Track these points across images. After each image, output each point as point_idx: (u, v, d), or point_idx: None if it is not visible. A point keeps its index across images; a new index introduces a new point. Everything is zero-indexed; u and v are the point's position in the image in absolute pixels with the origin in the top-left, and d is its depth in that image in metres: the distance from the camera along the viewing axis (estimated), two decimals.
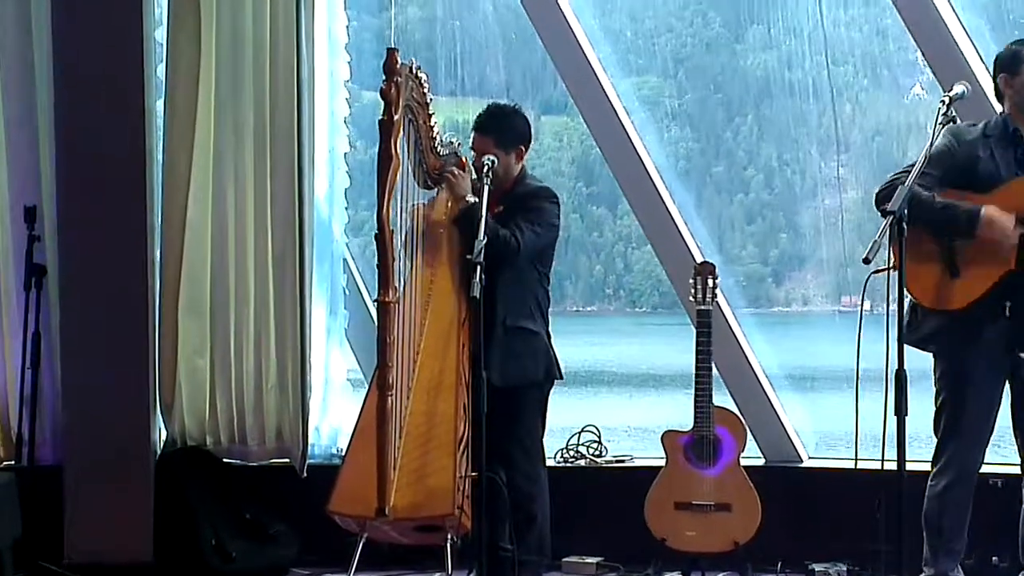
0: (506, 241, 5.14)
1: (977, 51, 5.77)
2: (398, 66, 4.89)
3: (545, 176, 6.17)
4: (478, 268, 4.78)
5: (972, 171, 4.82)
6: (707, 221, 7.06)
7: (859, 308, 4.46)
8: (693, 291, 5.82)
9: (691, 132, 7.69)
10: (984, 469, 4.96)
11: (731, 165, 7.49)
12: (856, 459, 4.64)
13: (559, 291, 8.34)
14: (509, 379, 5.15)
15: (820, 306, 7.28)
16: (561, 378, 5.48)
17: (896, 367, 4.30)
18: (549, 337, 5.45)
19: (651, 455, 6.09)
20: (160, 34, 6.26)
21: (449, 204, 5.38)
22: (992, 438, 4.91)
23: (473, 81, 7.26)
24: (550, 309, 5.44)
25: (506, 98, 6.21)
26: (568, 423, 6.54)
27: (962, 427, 4.85)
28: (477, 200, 5.05)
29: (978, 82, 5.54)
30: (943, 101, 4.64)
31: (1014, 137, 4.84)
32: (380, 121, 4.89)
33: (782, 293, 7.56)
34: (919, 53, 5.92)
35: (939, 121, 4.60)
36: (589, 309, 8.27)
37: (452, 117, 6.59)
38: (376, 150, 5.00)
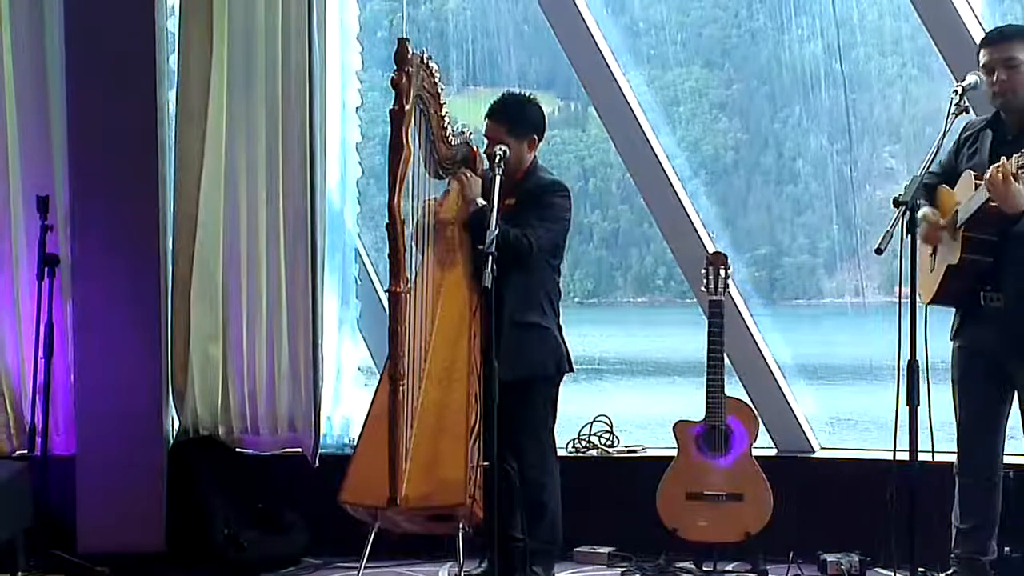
0: (518, 241, 5.14)
1: None
2: (409, 56, 4.88)
3: (593, 168, 6.17)
4: (490, 258, 4.78)
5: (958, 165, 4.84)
6: (755, 212, 7.04)
7: (900, 298, 4.44)
8: (705, 281, 5.82)
9: (739, 123, 7.68)
10: None
11: (779, 156, 7.48)
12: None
13: (609, 282, 8.34)
14: (517, 374, 5.14)
15: (872, 297, 7.27)
16: (572, 371, 5.47)
17: (908, 357, 4.31)
18: (560, 330, 5.44)
19: (666, 445, 6.08)
20: (172, 24, 6.27)
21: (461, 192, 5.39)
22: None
23: (517, 72, 7.27)
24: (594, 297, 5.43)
25: (553, 90, 6.21)
26: (587, 413, 6.54)
27: (961, 424, 4.87)
28: (487, 203, 5.03)
29: None
30: (955, 91, 4.62)
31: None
32: (391, 111, 4.88)
33: (834, 284, 7.54)
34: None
35: (951, 111, 4.59)
36: (640, 300, 8.24)
37: None
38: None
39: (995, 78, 4.74)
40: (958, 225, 4.68)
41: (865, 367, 6.80)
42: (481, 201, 5.17)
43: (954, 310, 4.89)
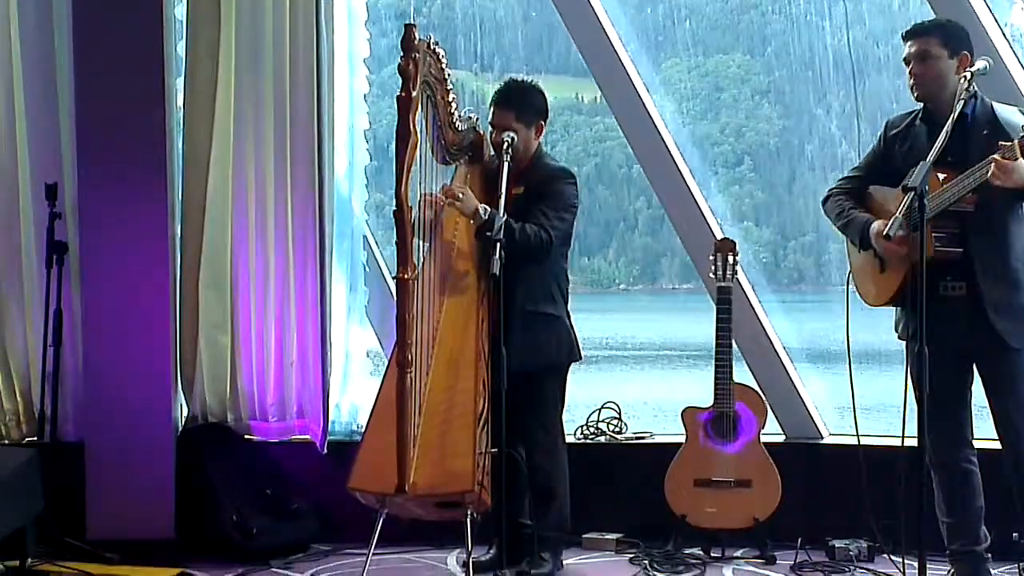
0: (538, 238, 5.16)
1: (999, 24, 5.73)
2: (416, 42, 4.86)
3: (633, 156, 6.17)
4: (498, 245, 4.78)
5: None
6: (800, 198, 7.00)
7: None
8: (713, 268, 5.82)
9: (782, 109, 7.65)
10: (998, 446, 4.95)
11: (823, 142, 7.46)
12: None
13: (655, 268, 8.32)
14: (527, 365, 5.15)
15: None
16: (581, 358, 5.48)
17: (917, 345, 4.31)
18: (569, 317, 5.45)
19: (674, 431, 6.08)
20: (180, 12, 6.27)
21: (468, 178, 5.39)
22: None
23: (557, 59, 7.25)
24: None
25: (581, 77, 6.23)
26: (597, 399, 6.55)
27: (927, 422, 4.85)
28: (492, 210, 5.02)
29: (1000, 57, 5.52)
30: (965, 76, 4.63)
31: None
32: (398, 97, 4.86)
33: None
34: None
35: (960, 96, 4.59)
36: (686, 287, 8.24)
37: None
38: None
39: (910, 71, 4.82)
40: (927, 219, 4.66)
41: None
42: (483, 209, 5.14)
43: (898, 309, 4.88)
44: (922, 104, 4.89)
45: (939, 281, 4.72)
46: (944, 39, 4.79)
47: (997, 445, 4.92)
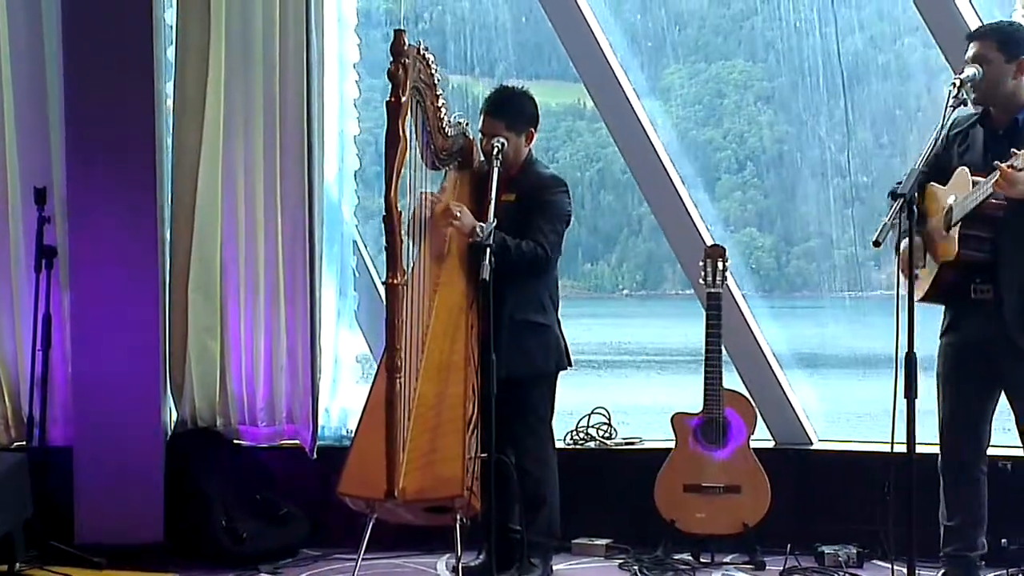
0: (534, 254, 5.16)
1: None
2: (405, 47, 4.86)
3: None
4: (487, 251, 4.77)
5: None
6: (803, 204, 7.00)
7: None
8: (703, 274, 5.83)
9: (784, 116, 7.65)
10: (992, 452, 4.95)
11: (826, 149, 7.46)
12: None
13: (657, 274, 8.31)
14: (516, 372, 5.15)
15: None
16: (571, 366, 5.48)
17: (906, 350, 4.31)
18: (559, 325, 5.44)
19: (664, 436, 6.08)
20: (170, 16, 6.26)
21: (458, 183, 5.39)
22: (999, 422, 4.90)
23: (559, 64, 7.25)
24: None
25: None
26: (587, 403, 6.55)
27: (946, 420, 4.86)
28: (484, 227, 5.01)
29: None
30: (953, 84, 4.63)
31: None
32: (387, 103, 4.86)
33: (883, 276, 7.50)
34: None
35: (949, 104, 4.59)
36: (688, 292, 8.29)
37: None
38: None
39: None
40: (954, 222, 4.68)
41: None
42: (479, 226, 5.09)
43: (943, 308, 4.89)
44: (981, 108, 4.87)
45: (969, 283, 4.74)
46: (1001, 42, 4.76)
47: (1001, 452, 4.92)
